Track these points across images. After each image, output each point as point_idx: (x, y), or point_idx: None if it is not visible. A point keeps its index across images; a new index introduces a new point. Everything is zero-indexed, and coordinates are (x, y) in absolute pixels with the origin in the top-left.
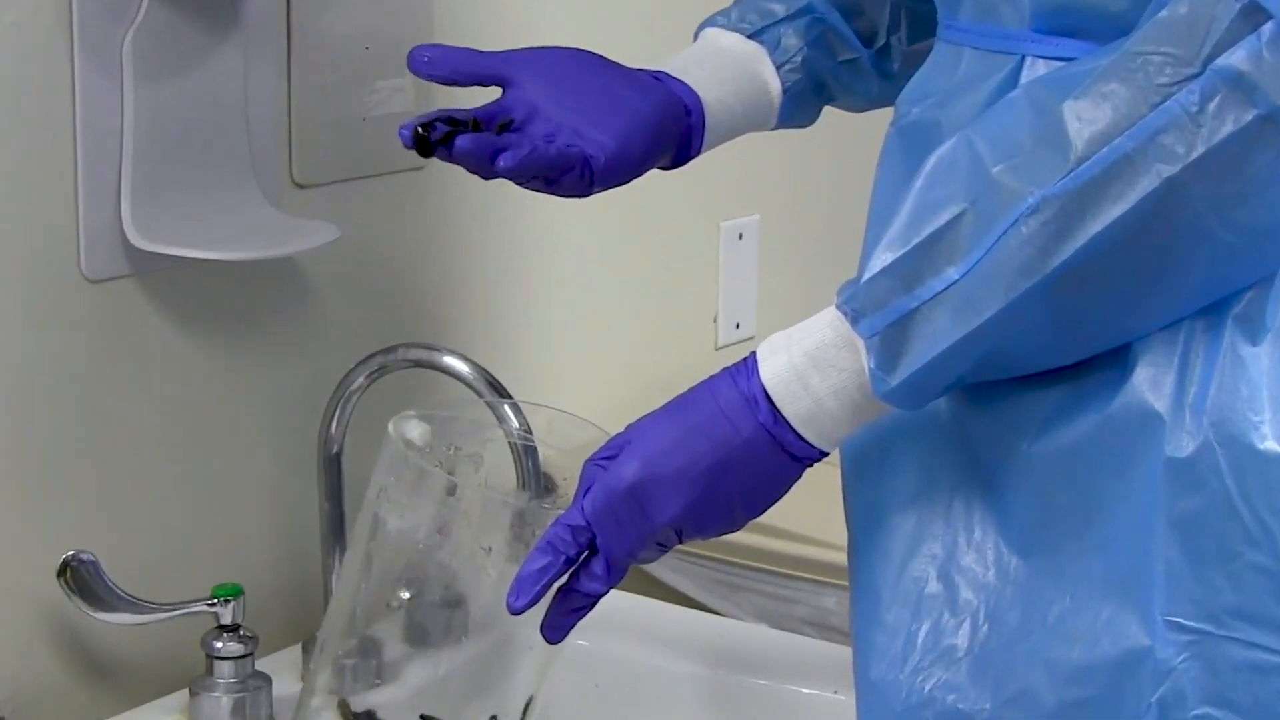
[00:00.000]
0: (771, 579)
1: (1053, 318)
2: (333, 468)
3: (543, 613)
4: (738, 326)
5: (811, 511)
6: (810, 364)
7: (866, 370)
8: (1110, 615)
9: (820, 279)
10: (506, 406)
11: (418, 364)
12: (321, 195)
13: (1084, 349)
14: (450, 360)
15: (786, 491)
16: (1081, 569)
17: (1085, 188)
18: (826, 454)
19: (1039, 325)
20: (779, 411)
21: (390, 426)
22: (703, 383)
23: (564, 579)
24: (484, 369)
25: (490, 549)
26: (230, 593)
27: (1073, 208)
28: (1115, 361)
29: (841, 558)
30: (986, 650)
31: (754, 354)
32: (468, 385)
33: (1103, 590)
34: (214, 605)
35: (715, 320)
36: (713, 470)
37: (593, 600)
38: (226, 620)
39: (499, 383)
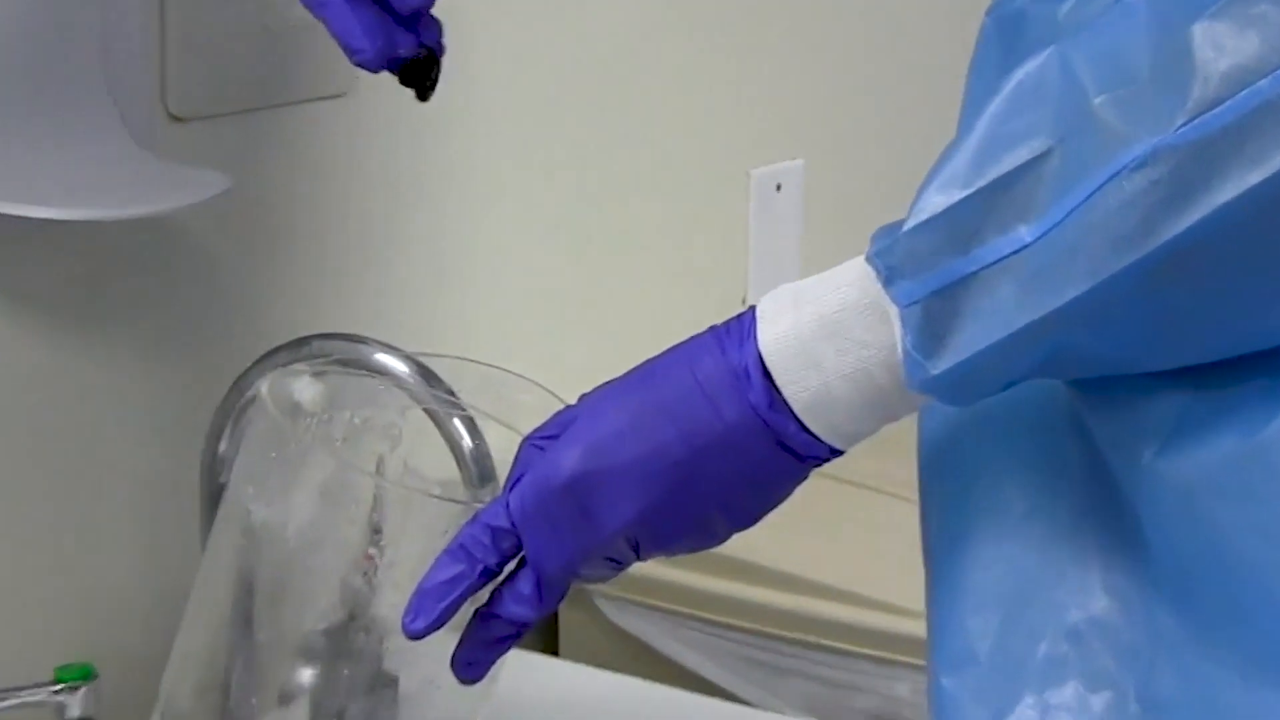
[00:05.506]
0: (825, 658)
1: (1155, 311)
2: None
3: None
4: None
5: (880, 563)
6: (823, 332)
7: (899, 349)
8: None
9: None
10: (418, 363)
11: (337, 361)
12: (207, 132)
13: (1197, 353)
14: (382, 357)
15: (785, 498)
16: (1247, 636)
17: (1213, 141)
18: (841, 453)
19: (1135, 319)
20: (777, 391)
21: (264, 387)
22: (680, 345)
23: (483, 597)
24: (427, 368)
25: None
26: (79, 676)
27: (1193, 166)
28: (1270, 366)
29: (921, 628)
30: None
31: (753, 311)
32: (405, 391)
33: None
34: (58, 693)
35: (744, 299)
36: (681, 466)
37: (519, 629)
38: (74, 713)
39: (446, 386)
